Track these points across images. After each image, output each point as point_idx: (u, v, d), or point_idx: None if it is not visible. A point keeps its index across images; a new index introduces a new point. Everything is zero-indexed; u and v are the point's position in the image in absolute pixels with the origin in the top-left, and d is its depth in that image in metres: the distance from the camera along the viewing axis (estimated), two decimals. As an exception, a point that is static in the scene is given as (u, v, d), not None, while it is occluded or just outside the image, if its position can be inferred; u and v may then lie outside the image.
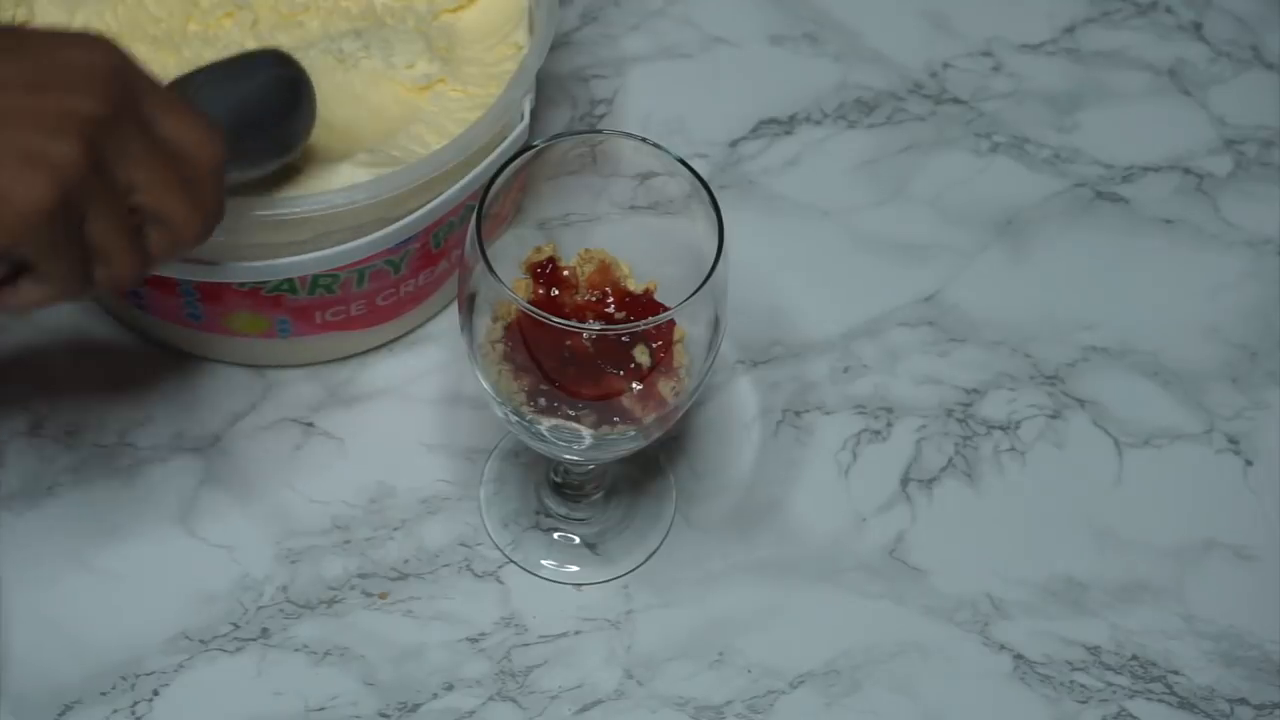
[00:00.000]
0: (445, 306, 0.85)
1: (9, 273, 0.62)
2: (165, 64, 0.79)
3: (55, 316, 0.83)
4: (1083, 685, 0.77)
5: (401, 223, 0.77)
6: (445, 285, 0.83)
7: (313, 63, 0.77)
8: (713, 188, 0.68)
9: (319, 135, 0.76)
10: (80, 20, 0.80)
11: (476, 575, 0.78)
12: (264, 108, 0.71)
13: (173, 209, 0.64)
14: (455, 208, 0.78)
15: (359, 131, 0.79)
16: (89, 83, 0.61)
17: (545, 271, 0.71)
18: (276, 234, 0.75)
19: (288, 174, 0.76)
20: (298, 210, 0.74)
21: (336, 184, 0.75)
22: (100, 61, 0.62)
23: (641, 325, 0.67)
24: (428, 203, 0.77)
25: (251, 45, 0.81)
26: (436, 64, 0.81)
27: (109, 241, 0.63)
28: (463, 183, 0.77)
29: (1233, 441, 0.84)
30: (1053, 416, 0.84)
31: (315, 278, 0.78)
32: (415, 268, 0.80)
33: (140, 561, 0.77)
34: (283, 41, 0.81)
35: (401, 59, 0.81)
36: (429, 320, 0.85)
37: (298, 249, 0.76)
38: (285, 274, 0.77)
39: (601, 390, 0.69)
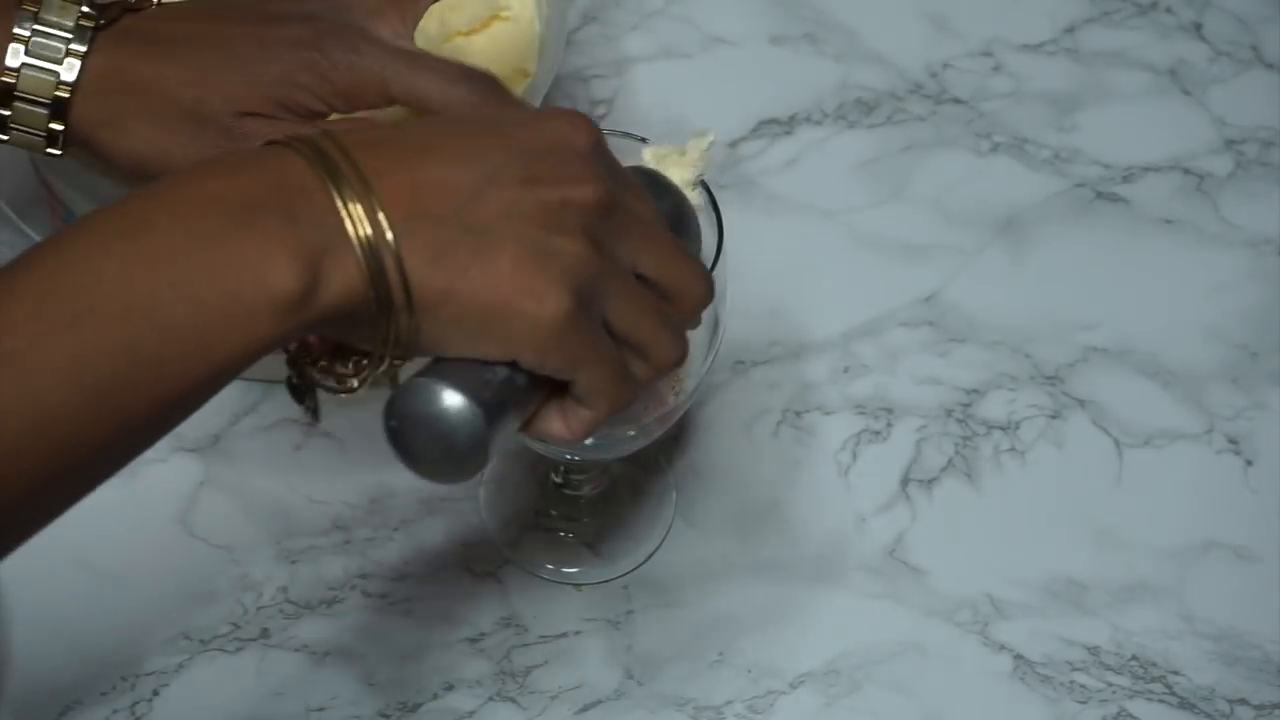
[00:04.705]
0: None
1: (544, 399, 0.58)
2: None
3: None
4: (1083, 685, 0.77)
5: None
6: None
7: None
8: (713, 188, 0.68)
9: None
10: None
11: (476, 575, 0.78)
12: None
13: (679, 275, 0.59)
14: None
15: None
16: (582, 165, 0.57)
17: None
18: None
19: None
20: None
21: None
22: (585, 141, 0.58)
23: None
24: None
25: None
26: None
27: (639, 328, 0.58)
28: None
29: (1233, 442, 0.84)
30: (1053, 417, 0.84)
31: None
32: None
33: (140, 561, 0.77)
34: None
35: None
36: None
37: None
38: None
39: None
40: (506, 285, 0.54)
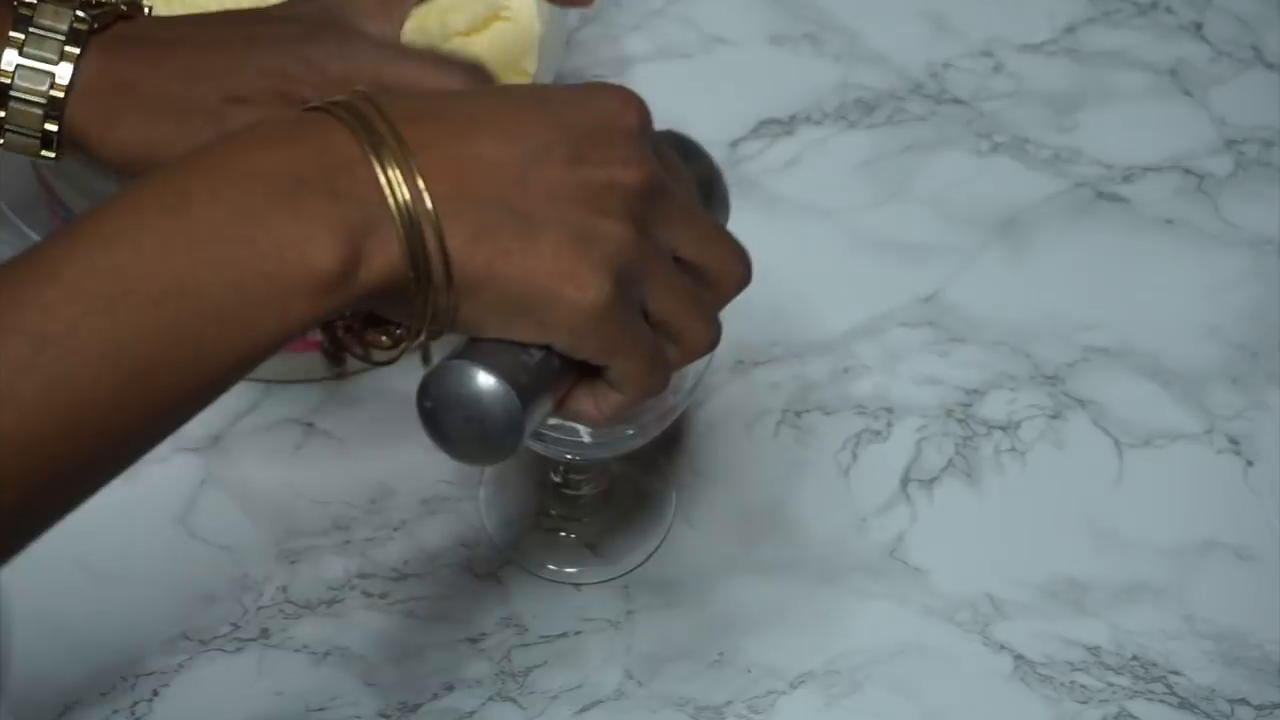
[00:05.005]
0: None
1: (574, 381, 0.58)
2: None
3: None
4: (1083, 686, 0.77)
5: None
6: None
7: None
8: (713, 188, 0.69)
9: None
10: None
11: (476, 575, 0.78)
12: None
13: (719, 259, 0.59)
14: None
15: None
16: (629, 146, 0.56)
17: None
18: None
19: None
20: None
21: None
22: (633, 119, 0.57)
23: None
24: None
25: None
26: None
27: (676, 314, 0.58)
28: None
29: (1233, 442, 0.84)
30: (1053, 417, 0.84)
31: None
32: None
33: (140, 561, 0.77)
34: None
35: None
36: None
37: None
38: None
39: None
40: (548, 269, 0.54)
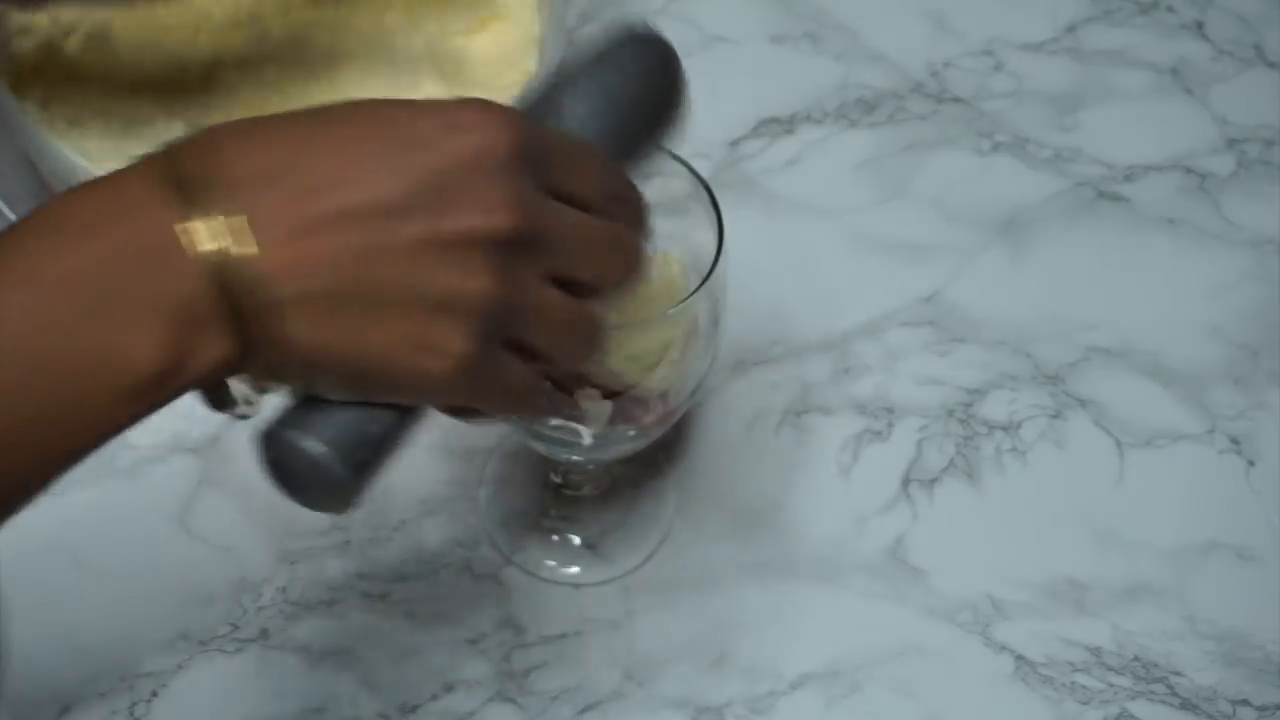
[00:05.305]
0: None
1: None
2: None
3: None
4: (1084, 686, 0.77)
5: None
6: None
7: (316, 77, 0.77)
8: (713, 187, 0.68)
9: None
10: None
11: (476, 576, 0.78)
12: (647, 99, 0.61)
13: (601, 267, 0.55)
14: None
15: None
16: (497, 187, 0.51)
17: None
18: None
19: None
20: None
21: None
22: (504, 150, 0.51)
23: (640, 324, 0.67)
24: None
25: (262, 61, 0.80)
26: (443, 87, 0.81)
27: (554, 344, 0.54)
28: None
29: (1235, 442, 0.84)
30: (1054, 417, 0.84)
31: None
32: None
33: (140, 561, 0.77)
34: (289, 56, 0.81)
35: (407, 80, 0.80)
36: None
37: None
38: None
39: (601, 390, 0.69)
40: (403, 343, 0.50)
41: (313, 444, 0.53)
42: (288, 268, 0.49)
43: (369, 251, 0.50)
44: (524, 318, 0.53)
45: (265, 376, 0.52)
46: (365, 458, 0.54)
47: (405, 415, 0.55)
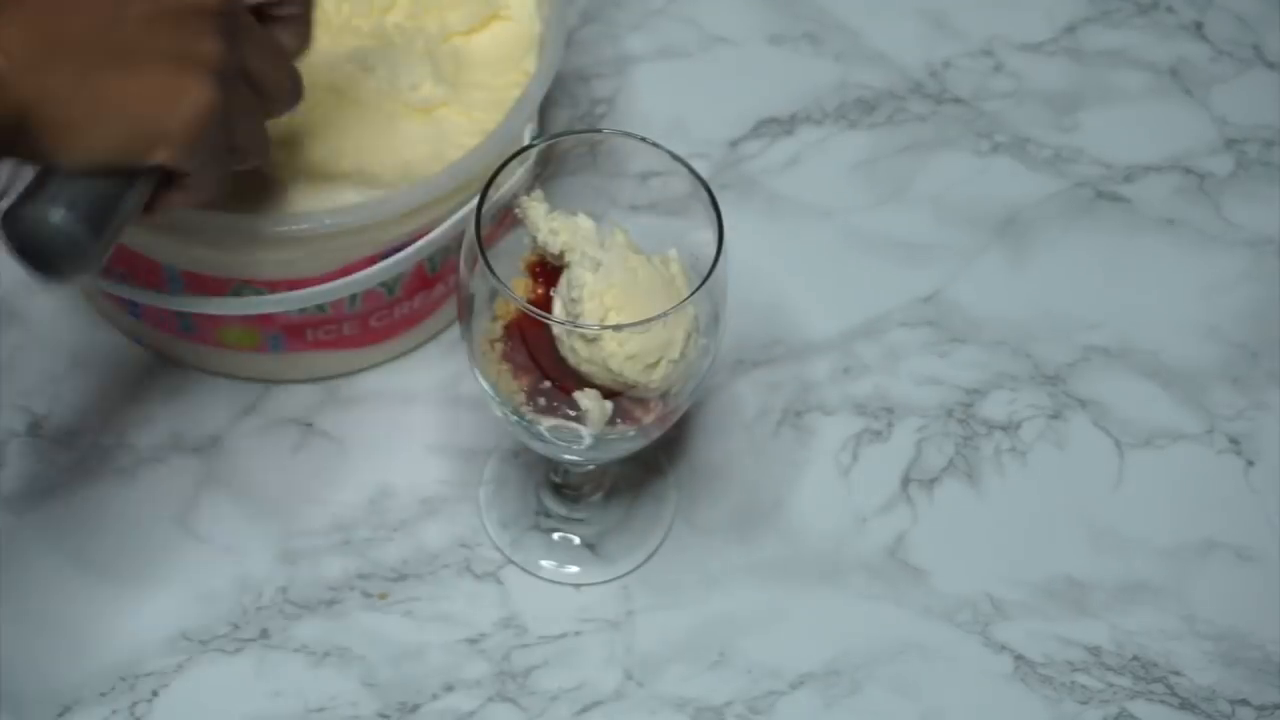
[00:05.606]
0: (444, 329, 0.84)
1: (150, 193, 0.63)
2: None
3: (54, 319, 0.83)
4: (1083, 686, 0.77)
5: (395, 257, 0.77)
6: (443, 308, 0.83)
7: (315, 79, 0.77)
8: (713, 187, 0.68)
9: (312, 153, 0.75)
10: None
11: (476, 576, 0.78)
12: None
13: (280, 87, 0.65)
14: (455, 236, 0.78)
15: (355, 152, 0.78)
16: None
17: (545, 270, 0.71)
18: (263, 251, 0.75)
19: (280, 191, 0.76)
20: (279, 230, 0.74)
21: (327, 205, 0.75)
22: None
23: (640, 324, 0.67)
24: (421, 228, 0.77)
25: None
26: (442, 87, 0.81)
27: (251, 137, 0.64)
28: (460, 214, 0.77)
29: (1234, 442, 0.84)
30: (1053, 417, 0.84)
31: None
32: (410, 290, 0.80)
33: (140, 561, 0.77)
34: None
35: (406, 80, 0.80)
36: (428, 341, 0.84)
37: (286, 268, 0.76)
38: (269, 309, 0.77)
39: (601, 390, 0.69)
40: (157, 91, 0.59)
41: (51, 208, 0.60)
42: (40, 45, 0.57)
43: (112, 21, 0.59)
44: (238, 94, 0.63)
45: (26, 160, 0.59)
46: (101, 217, 0.61)
47: (134, 179, 0.61)
